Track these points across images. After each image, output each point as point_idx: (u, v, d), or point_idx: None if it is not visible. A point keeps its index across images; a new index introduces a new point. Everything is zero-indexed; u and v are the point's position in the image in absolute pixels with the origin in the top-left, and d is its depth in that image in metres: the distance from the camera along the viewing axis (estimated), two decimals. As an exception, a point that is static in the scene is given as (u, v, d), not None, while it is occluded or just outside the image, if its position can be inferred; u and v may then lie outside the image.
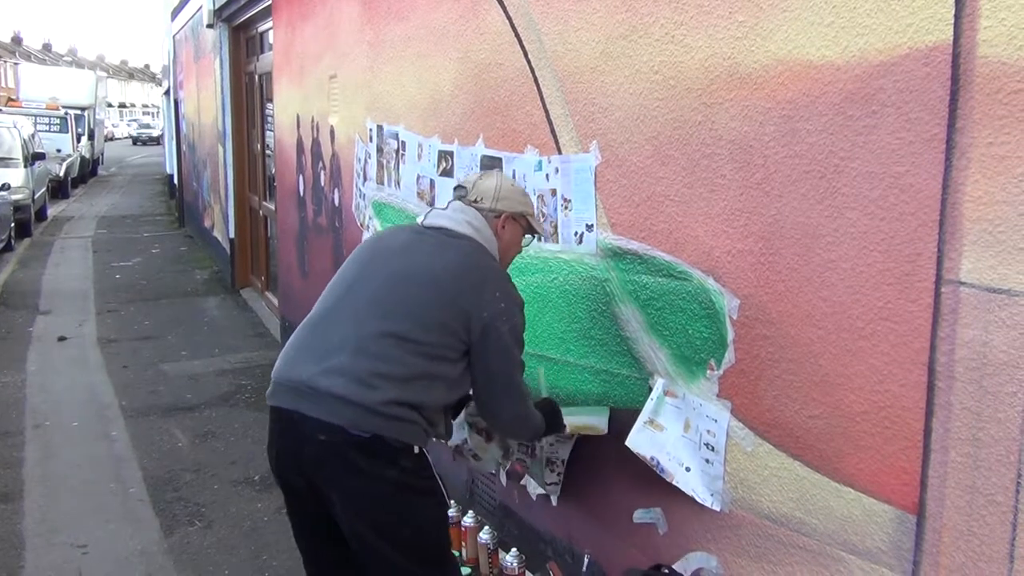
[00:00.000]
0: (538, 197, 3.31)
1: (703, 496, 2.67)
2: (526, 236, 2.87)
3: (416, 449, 2.50)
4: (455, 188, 2.85)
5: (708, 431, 2.64)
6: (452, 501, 3.73)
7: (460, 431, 3.11)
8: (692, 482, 2.69)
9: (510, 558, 3.41)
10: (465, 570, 3.71)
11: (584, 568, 3.16)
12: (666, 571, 2.74)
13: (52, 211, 17.85)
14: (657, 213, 2.76)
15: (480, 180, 2.81)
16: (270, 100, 8.04)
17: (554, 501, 3.46)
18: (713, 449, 2.62)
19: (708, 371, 2.62)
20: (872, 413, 2.13)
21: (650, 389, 2.85)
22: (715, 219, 2.54)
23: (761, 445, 2.46)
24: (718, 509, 2.62)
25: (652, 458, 2.77)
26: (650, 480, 2.90)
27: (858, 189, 2.10)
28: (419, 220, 2.80)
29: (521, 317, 2.62)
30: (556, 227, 3.23)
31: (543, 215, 3.29)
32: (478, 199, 2.75)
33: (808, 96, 2.21)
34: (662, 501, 2.88)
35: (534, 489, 3.57)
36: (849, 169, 2.12)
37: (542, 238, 3.26)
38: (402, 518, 2.47)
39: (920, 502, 2.04)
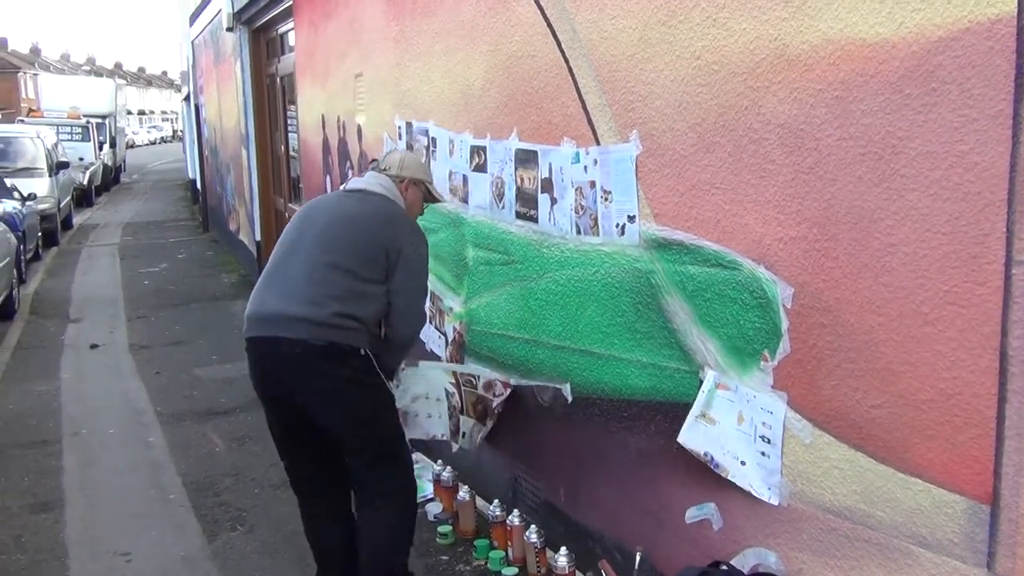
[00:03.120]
0: (576, 190, 3.25)
1: (760, 490, 2.61)
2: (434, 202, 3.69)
3: (362, 351, 3.16)
4: (371, 161, 3.80)
5: (763, 423, 2.58)
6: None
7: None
8: (748, 476, 2.64)
9: (561, 558, 3.36)
10: (512, 570, 3.67)
11: (636, 566, 3.10)
12: (724, 568, 2.68)
13: (77, 219, 17.98)
14: (703, 202, 2.70)
15: (389, 154, 3.66)
16: (292, 102, 8.02)
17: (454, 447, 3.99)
18: (769, 442, 2.56)
19: (762, 362, 2.56)
20: (940, 401, 2.06)
21: (700, 382, 2.79)
22: (765, 206, 2.47)
23: (820, 436, 2.39)
24: (776, 503, 2.56)
25: (706, 453, 2.72)
26: (703, 474, 2.84)
27: (918, 169, 2.03)
28: (342, 187, 3.61)
29: (426, 248, 3.40)
30: (596, 220, 3.17)
31: (582, 207, 3.23)
32: (387, 168, 3.53)
33: (862, 76, 2.14)
34: (716, 495, 2.82)
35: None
36: (908, 149, 2.05)
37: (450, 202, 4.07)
38: (358, 403, 3.19)
39: (994, 492, 1.97)
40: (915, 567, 2.17)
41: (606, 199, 3.12)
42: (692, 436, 2.73)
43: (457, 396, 3.95)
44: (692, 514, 2.91)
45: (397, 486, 3.31)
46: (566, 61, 3.26)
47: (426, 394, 3.86)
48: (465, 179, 4.10)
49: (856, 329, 2.25)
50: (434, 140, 4.40)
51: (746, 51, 2.46)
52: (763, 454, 2.59)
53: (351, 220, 3.27)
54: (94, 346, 7.93)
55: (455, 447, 4.01)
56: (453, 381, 3.96)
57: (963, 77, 1.92)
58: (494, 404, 3.93)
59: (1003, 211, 1.88)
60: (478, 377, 3.98)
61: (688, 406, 2.82)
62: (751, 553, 2.68)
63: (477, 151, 3.97)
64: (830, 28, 2.20)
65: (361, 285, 3.17)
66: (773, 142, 2.41)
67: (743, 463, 2.66)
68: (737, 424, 2.67)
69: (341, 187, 3.63)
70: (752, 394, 2.61)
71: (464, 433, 4.00)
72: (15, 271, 9.62)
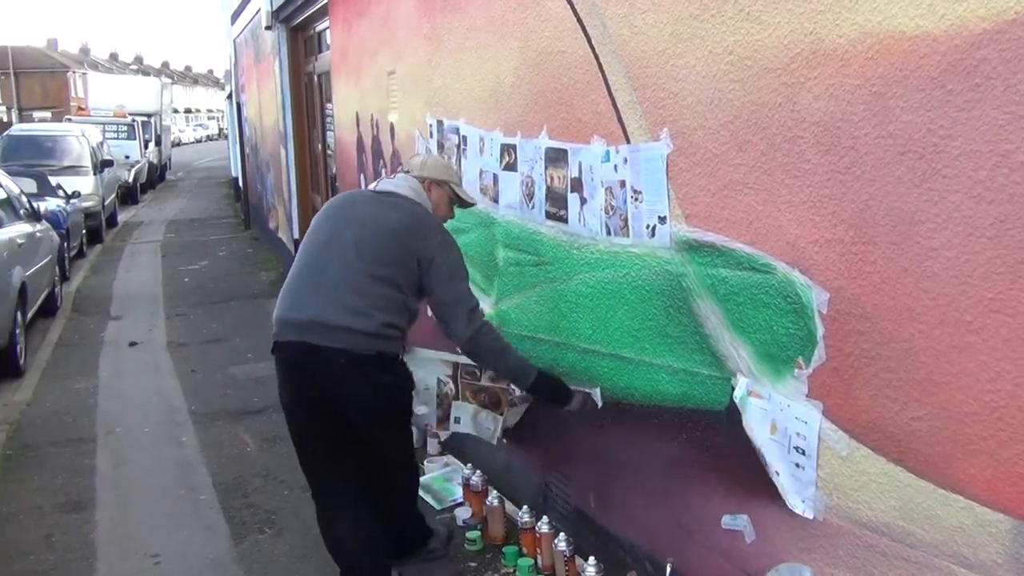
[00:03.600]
0: (606, 189, 3.17)
1: (794, 503, 2.50)
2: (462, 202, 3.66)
3: (401, 357, 3.40)
4: (400, 164, 3.88)
5: (797, 433, 2.47)
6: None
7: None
8: (782, 488, 2.53)
9: (590, 568, 3.28)
10: (540, 578, 3.60)
11: (666, 577, 3.02)
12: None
13: (122, 217, 18.20)
14: (735, 202, 2.60)
15: (414, 157, 3.77)
16: (330, 100, 8.00)
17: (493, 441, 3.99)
18: (804, 453, 2.45)
19: (796, 370, 2.46)
20: (984, 414, 1.95)
21: (732, 389, 2.69)
22: (799, 207, 2.37)
23: (858, 449, 2.29)
24: (811, 517, 2.46)
25: (759, 448, 2.62)
26: (735, 485, 2.76)
27: (961, 169, 1.92)
28: (372, 186, 3.62)
29: (461, 258, 3.41)
30: (626, 220, 3.08)
31: (612, 208, 3.14)
32: (411, 170, 3.59)
33: (901, 71, 2.03)
34: (749, 507, 2.72)
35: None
36: (950, 148, 1.94)
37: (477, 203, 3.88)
38: (393, 405, 3.40)
39: (1041, 512, 1.86)
40: (957, 588, 2.06)
41: (636, 199, 3.03)
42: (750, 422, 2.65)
43: (451, 385, 3.98)
44: (727, 522, 2.82)
45: (411, 477, 3.74)
46: (596, 57, 3.18)
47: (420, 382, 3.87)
48: (495, 178, 4.02)
49: (895, 337, 2.14)
50: (464, 138, 4.34)
51: (780, 46, 2.36)
52: (798, 466, 2.48)
53: (391, 230, 3.28)
54: (133, 344, 7.98)
55: (443, 435, 4.23)
56: (449, 372, 3.96)
57: (1009, 72, 1.81)
58: (511, 394, 3.86)
59: (1052, 214, 1.76)
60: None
61: (720, 413, 2.73)
62: (785, 568, 2.58)
63: (507, 149, 3.89)
64: (868, 21, 2.09)
65: (401, 296, 3.26)
66: (808, 140, 2.31)
67: (777, 474, 2.56)
68: (770, 434, 2.57)
69: (371, 186, 3.68)
70: (786, 403, 2.50)
71: (458, 419, 4.00)
72: (58, 268, 9.72)
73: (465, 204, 3.71)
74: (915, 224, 2.04)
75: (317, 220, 3.46)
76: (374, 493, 3.54)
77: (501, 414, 3.94)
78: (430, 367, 4.00)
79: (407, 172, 3.58)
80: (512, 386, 3.82)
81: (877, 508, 2.25)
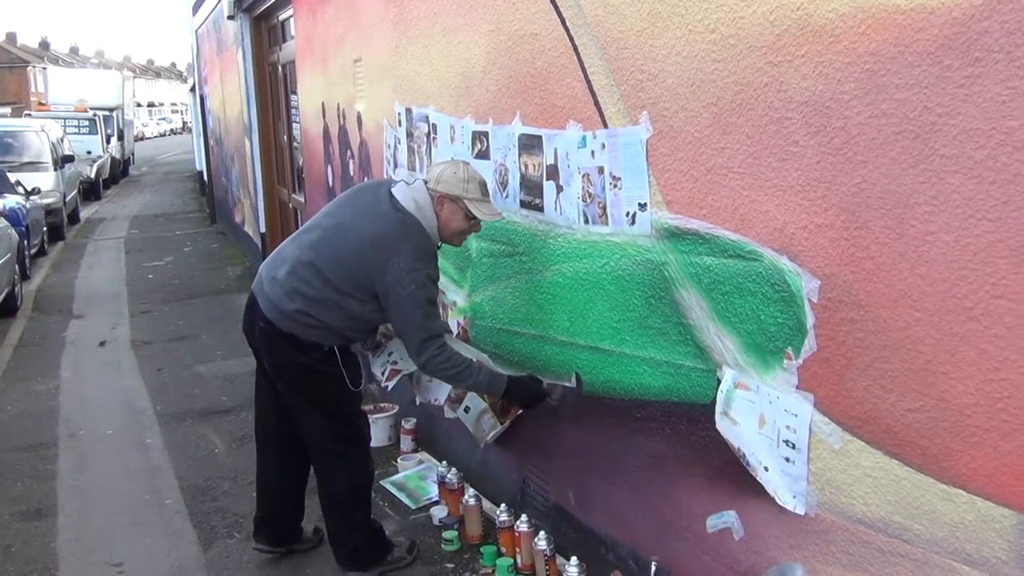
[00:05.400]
0: (583, 176, 3.06)
1: (784, 498, 2.41)
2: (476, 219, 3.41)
3: (325, 347, 3.40)
4: (368, 154, 4.02)
5: (787, 427, 2.38)
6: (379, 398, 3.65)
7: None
8: (772, 483, 2.45)
9: (571, 567, 3.16)
10: (520, 578, 3.50)
11: (651, 576, 2.92)
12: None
13: (84, 213, 17.86)
14: (719, 187, 2.49)
15: (436, 165, 3.61)
16: (295, 91, 7.83)
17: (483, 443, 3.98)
18: (794, 447, 2.36)
19: (785, 360, 2.36)
20: (985, 405, 1.86)
21: (718, 381, 2.60)
22: (787, 191, 2.27)
23: (851, 442, 2.20)
24: (802, 512, 2.37)
25: (738, 448, 2.52)
26: (722, 479, 2.67)
27: (960, 149, 1.83)
28: (397, 183, 3.47)
29: (422, 290, 3.28)
30: (605, 208, 2.97)
31: (589, 195, 3.03)
32: (427, 180, 3.46)
33: (896, 46, 1.93)
34: (737, 503, 2.63)
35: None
36: (948, 127, 1.85)
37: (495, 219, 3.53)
38: (311, 389, 3.47)
39: (1049, 506, 1.77)
40: (958, 586, 1.97)
41: (615, 186, 2.92)
42: (724, 427, 2.55)
43: None
44: (712, 523, 2.72)
45: (350, 461, 3.60)
46: (571, 39, 3.06)
47: None
48: (467, 167, 3.89)
49: (890, 325, 2.05)
50: (434, 127, 4.21)
51: (766, 22, 2.25)
52: (787, 460, 2.39)
53: (355, 246, 3.32)
54: (102, 343, 7.76)
55: (449, 414, 4.04)
56: None
57: (1012, 45, 1.71)
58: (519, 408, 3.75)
59: (1058, 194, 1.67)
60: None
61: (705, 407, 2.64)
62: (775, 570, 2.49)
63: (479, 137, 3.77)
64: (859, -6, 2.00)
65: (336, 295, 3.33)
66: (796, 121, 2.21)
67: (766, 468, 2.47)
68: (759, 427, 2.47)
69: (399, 181, 3.51)
70: (775, 395, 2.41)
71: (468, 408, 3.91)
72: (17, 267, 9.47)
73: (477, 222, 3.46)
74: (911, 207, 1.95)
75: (336, 199, 3.69)
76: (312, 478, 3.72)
77: (503, 423, 3.83)
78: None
79: (425, 182, 3.46)
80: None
81: (872, 503, 2.16)
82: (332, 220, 3.45)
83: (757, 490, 2.52)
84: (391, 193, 3.40)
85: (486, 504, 4.00)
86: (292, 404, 3.54)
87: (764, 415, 2.45)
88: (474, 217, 3.39)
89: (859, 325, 2.13)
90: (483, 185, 3.41)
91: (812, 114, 2.16)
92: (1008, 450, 1.83)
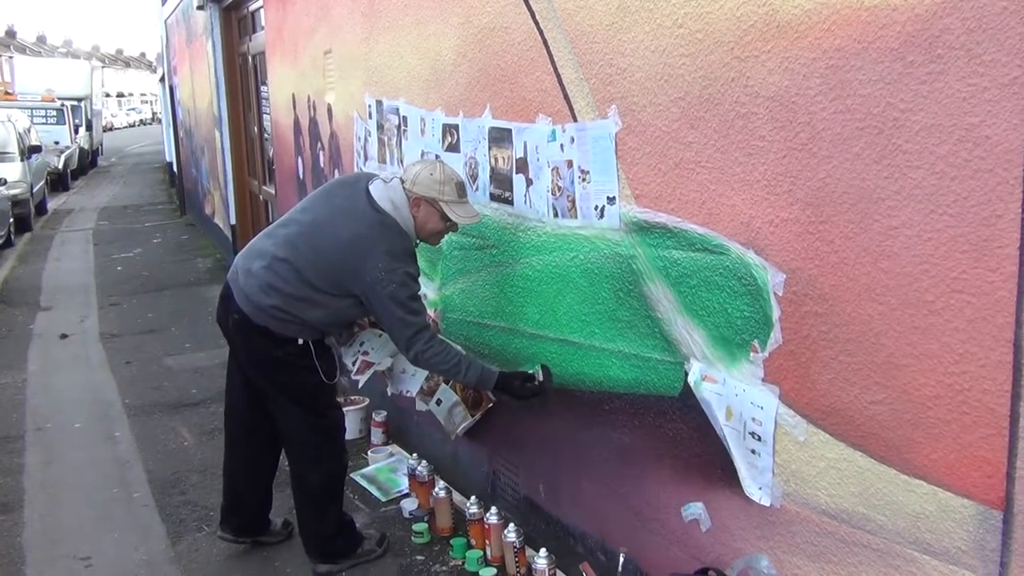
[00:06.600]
0: (552, 170, 3.06)
1: (750, 490, 2.44)
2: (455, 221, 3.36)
3: (300, 341, 3.40)
4: (338, 146, 3.87)
5: (753, 419, 2.40)
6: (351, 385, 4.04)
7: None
8: (738, 475, 2.46)
9: (540, 559, 3.18)
10: (490, 570, 3.50)
11: (620, 567, 2.94)
12: (712, 574, 2.51)
13: (52, 204, 17.62)
14: (687, 182, 2.51)
15: (412, 165, 3.50)
16: (265, 82, 7.77)
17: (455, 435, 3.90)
18: (759, 439, 2.38)
19: (751, 353, 2.38)
20: (947, 397, 1.89)
21: (686, 374, 2.62)
22: (754, 186, 2.29)
23: (816, 434, 2.22)
24: (767, 504, 2.39)
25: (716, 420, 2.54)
26: (690, 471, 2.68)
27: (923, 145, 1.85)
28: (375, 179, 3.47)
29: (403, 288, 3.26)
30: (574, 201, 2.98)
31: (559, 188, 3.04)
32: (404, 180, 3.40)
33: (859, 43, 1.96)
34: (705, 495, 2.65)
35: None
36: (911, 123, 1.87)
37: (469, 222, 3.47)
38: (286, 381, 3.49)
39: (1007, 496, 1.80)
40: (919, 576, 2.00)
41: (584, 179, 2.93)
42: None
43: None
44: (685, 513, 2.74)
45: (325, 453, 3.59)
46: (540, 32, 3.06)
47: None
48: (437, 159, 3.88)
49: (854, 319, 2.07)
50: (405, 119, 4.20)
51: (732, 18, 2.27)
52: (753, 452, 2.42)
53: (333, 233, 3.31)
54: (64, 336, 7.69)
55: (421, 407, 3.99)
56: None
57: (973, 42, 1.74)
58: (491, 401, 3.75)
59: (1017, 190, 1.70)
60: None
61: (673, 399, 2.66)
62: (741, 560, 2.52)
63: (449, 130, 3.77)
64: (824, -10, 2.01)
65: (313, 292, 3.33)
66: (762, 116, 2.23)
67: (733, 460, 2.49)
68: (725, 419, 2.49)
69: (376, 178, 3.49)
70: (741, 387, 2.43)
71: (440, 401, 3.89)
72: (-17, 259, 9.35)
73: (454, 225, 3.42)
74: (874, 202, 1.97)
75: (312, 193, 3.63)
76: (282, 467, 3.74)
77: (474, 416, 3.83)
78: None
79: (402, 181, 3.40)
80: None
81: (836, 494, 2.19)
82: (308, 216, 3.42)
83: (724, 482, 2.54)
84: (368, 191, 3.38)
85: (456, 496, 4.01)
86: (267, 396, 3.55)
87: (731, 407, 2.48)
88: (450, 221, 3.35)
89: (823, 318, 2.15)
90: (460, 186, 3.36)
91: (778, 109, 2.18)
92: (968, 442, 1.86)
